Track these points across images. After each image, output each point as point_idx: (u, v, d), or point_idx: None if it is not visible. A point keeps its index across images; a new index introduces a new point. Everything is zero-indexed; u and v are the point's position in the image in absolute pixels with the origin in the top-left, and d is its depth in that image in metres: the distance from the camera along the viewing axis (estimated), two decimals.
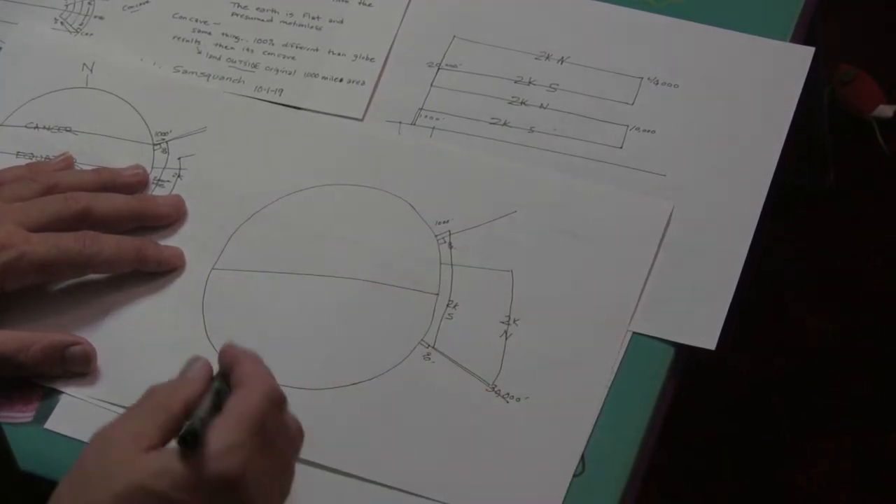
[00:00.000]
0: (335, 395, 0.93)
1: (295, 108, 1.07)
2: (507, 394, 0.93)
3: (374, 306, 0.96)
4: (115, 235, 0.98)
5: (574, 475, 0.89)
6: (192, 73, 1.09)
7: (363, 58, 1.08)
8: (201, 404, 0.80)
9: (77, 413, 0.93)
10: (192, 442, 0.78)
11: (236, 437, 0.79)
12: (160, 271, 0.98)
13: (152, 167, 1.04)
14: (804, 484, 1.63)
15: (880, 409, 1.67)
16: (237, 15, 1.11)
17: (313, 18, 1.10)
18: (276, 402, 0.81)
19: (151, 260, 0.98)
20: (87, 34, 1.11)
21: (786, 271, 1.78)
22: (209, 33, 1.10)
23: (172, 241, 1.00)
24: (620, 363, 0.93)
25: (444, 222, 1.00)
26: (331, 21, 1.10)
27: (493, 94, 1.06)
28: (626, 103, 1.04)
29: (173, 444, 0.78)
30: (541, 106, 1.05)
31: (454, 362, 0.94)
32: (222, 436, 0.78)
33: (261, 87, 1.08)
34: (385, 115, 1.06)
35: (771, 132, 1.02)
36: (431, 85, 1.07)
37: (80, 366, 0.94)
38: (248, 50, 1.09)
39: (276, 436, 0.81)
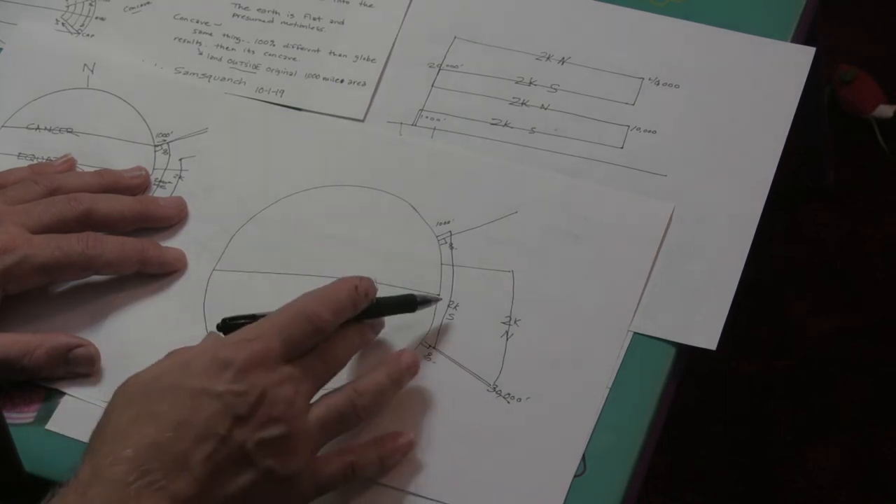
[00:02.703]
0: None
1: (296, 109, 1.07)
2: (508, 394, 0.93)
3: None
4: (118, 237, 0.98)
5: (575, 475, 0.90)
6: (194, 74, 1.09)
7: (364, 59, 1.08)
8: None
9: (78, 414, 0.93)
10: (227, 326, 0.88)
11: (252, 331, 0.85)
12: (162, 273, 0.99)
13: (153, 168, 1.05)
14: (804, 485, 1.63)
15: (880, 409, 1.68)
16: (238, 16, 1.11)
17: (314, 19, 1.11)
18: (310, 317, 0.87)
19: (154, 261, 0.98)
20: (88, 35, 1.11)
21: (786, 271, 1.79)
22: (210, 34, 1.11)
23: (174, 242, 1.00)
24: (621, 363, 0.93)
25: (445, 223, 1.00)
26: (332, 22, 1.10)
27: (493, 95, 1.06)
28: (627, 104, 1.04)
29: None
30: (542, 106, 1.05)
31: (455, 363, 0.94)
32: (239, 331, 0.86)
33: (262, 88, 1.08)
34: (386, 115, 1.06)
35: (771, 132, 1.02)
36: (432, 86, 1.07)
37: (84, 367, 0.95)
38: (249, 51, 1.10)
39: (309, 354, 0.87)
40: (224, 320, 0.90)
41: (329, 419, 0.86)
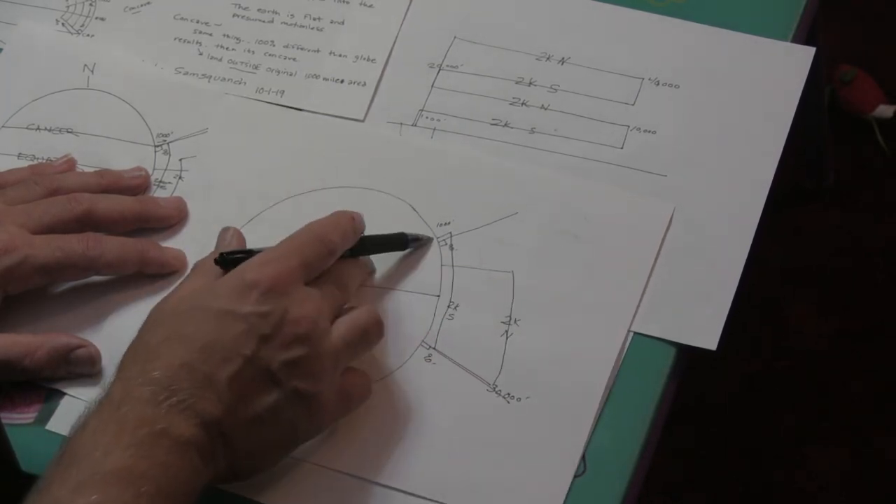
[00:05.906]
0: None
1: (296, 109, 1.07)
2: (508, 394, 0.93)
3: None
4: (118, 237, 0.98)
5: (575, 475, 0.90)
6: (194, 74, 1.09)
7: (364, 59, 1.08)
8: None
9: (79, 414, 0.93)
10: (224, 261, 0.88)
11: (272, 253, 0.87)
12: (162, 273, 0.99)
13: (153, 169, 1.05)
14: (804, 484, 1.63)
15: (880, 409, 1.68)
16: (238, 16, 1.11)
17: (314, 20, 1.11)
18: (322, 239, 0.89)
19: (154, 262, 0.98)
20: (88, 35, 1.11)
21: (786, 272, 1.79)
22: (210, 34, 1.11)
23: (174, 242, 1.01)
24: (622, 363, 0.93)
25: (445, 224, 1.00)
26: (332, 22, 1.10)
27: (493, 95, 1.06)
28: (627, 104, 1.04)
29: None
30: (542, 107, 1.05)
31: (455, 363, 0.94)
32: (260, 255, 0.87)
33: (262, 89, 1.08)
34: (386, 116, 1.06)
35: (771, 132, 1.02)
36: (432, 86, 1.07)
37: (85, 368, 0.95)
38: (249, 51, 1.10)
39: (326, 273, 0.89)
40: (222, 255, 0.90)
41: (352, 337, 0.88)
